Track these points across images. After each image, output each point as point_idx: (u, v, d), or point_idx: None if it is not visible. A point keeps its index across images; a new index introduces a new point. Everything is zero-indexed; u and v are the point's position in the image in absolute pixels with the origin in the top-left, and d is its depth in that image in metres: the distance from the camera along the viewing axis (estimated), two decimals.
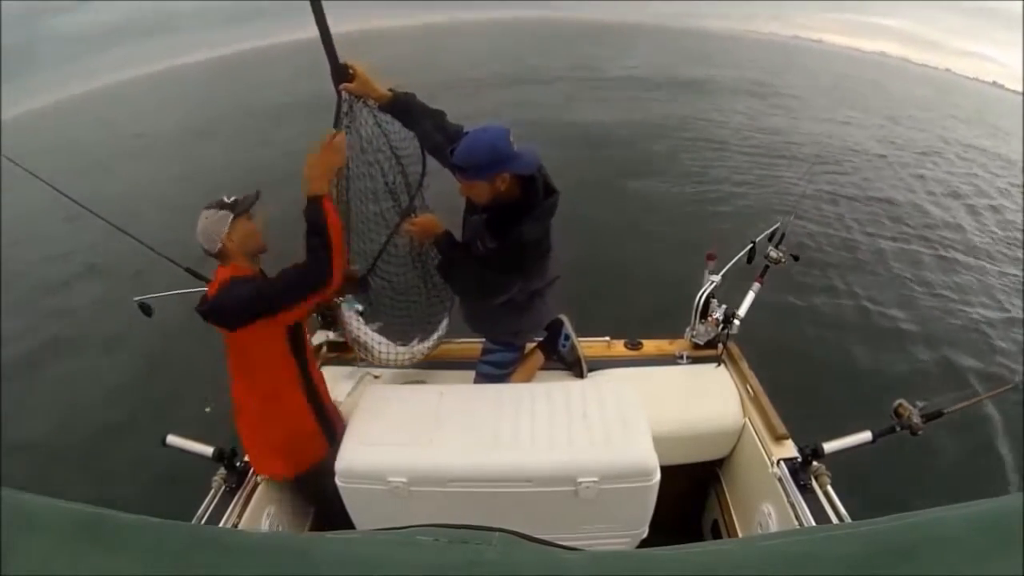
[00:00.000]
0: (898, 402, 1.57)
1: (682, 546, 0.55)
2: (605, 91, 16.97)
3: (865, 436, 1.60)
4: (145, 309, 1.82)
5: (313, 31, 1.47)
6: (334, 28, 1.49)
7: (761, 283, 2.16)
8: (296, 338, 1.54)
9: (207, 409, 1.97)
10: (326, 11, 1.43)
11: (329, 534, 0.67)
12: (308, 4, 1.39)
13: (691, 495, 2.23)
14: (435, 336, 2.03)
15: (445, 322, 2.05)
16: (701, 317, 2.09)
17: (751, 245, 2.15)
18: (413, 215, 1.79)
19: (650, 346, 2.21)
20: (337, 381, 2.07)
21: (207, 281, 1.92)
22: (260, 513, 1.63)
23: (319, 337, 2.14)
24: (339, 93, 1.58)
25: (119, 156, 14.40)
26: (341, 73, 1.56)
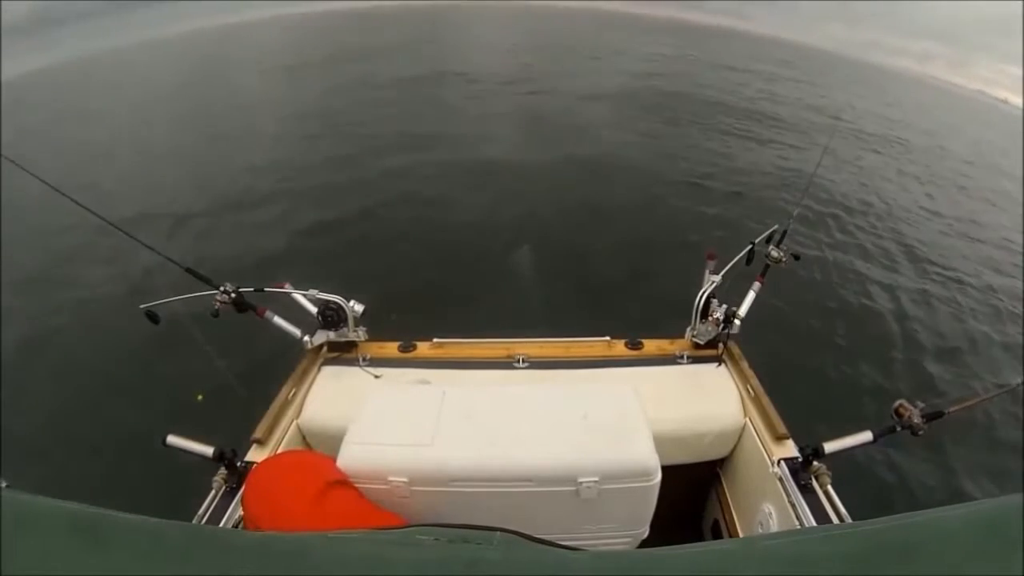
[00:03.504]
0: (899, 402, 1.57)
1: (682, 546, 0.55)
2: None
3: (866, 436, 1.60)
4: (152, 317, 1.81)
5: None
6: None
7: (762, 283, 2.16)
8: None
9: (199, 397, 1.95)
10: None
11: (330, 534, 0.67)
12: None
13: (691, 495, 2.23)
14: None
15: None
16: (701, 317, 2.09)
17: (750, 246, 2.15)
18: None
19: (650, 346, 2.21)
20: (337, 381, 2.07)
21: (207, 281, 1.93)
22: None
23: (319, 337, 2.14)
24: None
25: None
26: None
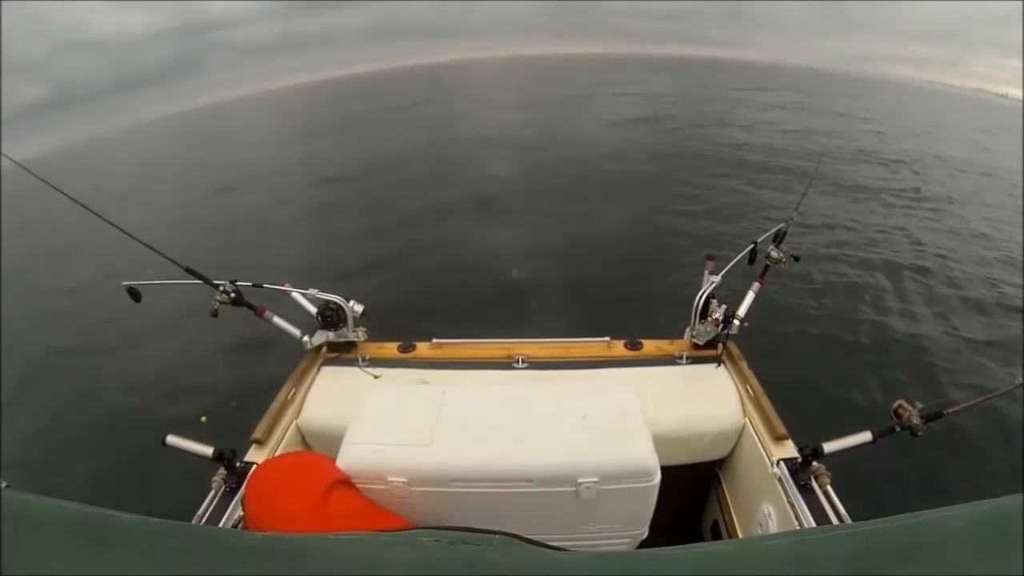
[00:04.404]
0: (898, 403, 1.57)
1: (682, 546, 0.55)
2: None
3: (865, 436, 1.60)
4: (134, 295, 1.82)
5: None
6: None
7: (761, 283, 2.16)
8: None
9: (202, 419, 1.96)
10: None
11: (330, 535, 0.67)
12: None
13: (691, 495, 2.23)
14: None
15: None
16: (701, 317, 2.09)
17: (752, 246, 2.15)
18: None
19: (650, 346, 2.21)
20: (337, 381, 2.07)
21: (206, 280, 1.93)
22: None
23: (319, 337, 2.14)
24: None
25: None
26: None
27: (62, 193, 1.91)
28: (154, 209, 12.13)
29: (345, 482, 1.31)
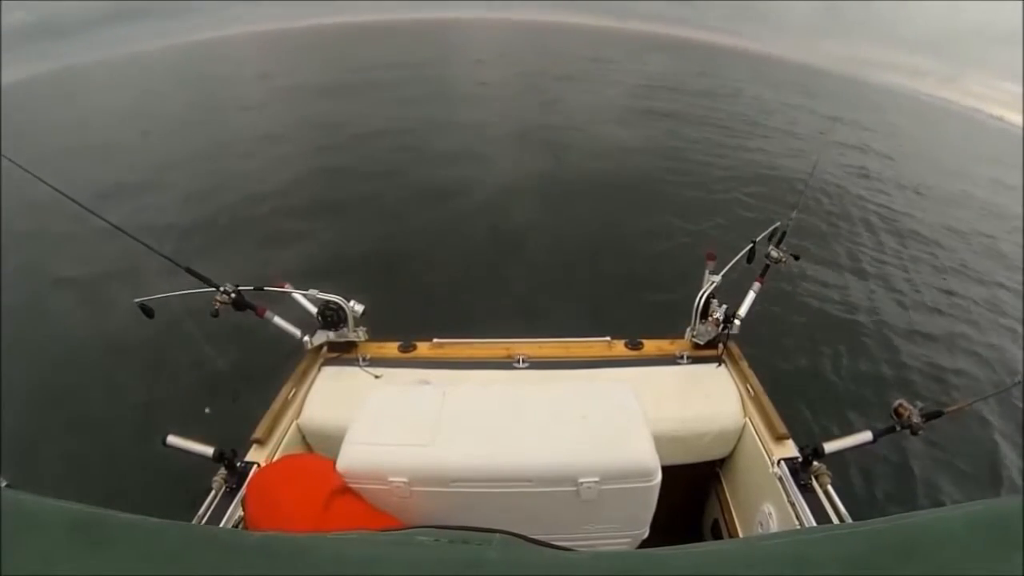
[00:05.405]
0: (898, 402, 1.57)
1: (682, 546, 0.55)
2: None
3: (865, 436, 1.60)
4: (146, 311, 1.81)
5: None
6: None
7: (762, 283, 2.16)
8: None
9: (206, 410, 1.96)
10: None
11: (330, 534, 0.67)
12: None
13: (691, 495, 2.23)
14: None
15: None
16: (701, 317, 2.09)
17: (751, 245, 2.15)
18: None
19: (650, 346, 2.21)
20: (337, 381, 2.07)
21: (207, 281, 1.93)
22: None
23: (319, 337, 2.14)
24: None
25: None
26: None
27: (59, 192, 1.90)
28: (139, 152, 11.79)
29: (345, 487, 1.31)
